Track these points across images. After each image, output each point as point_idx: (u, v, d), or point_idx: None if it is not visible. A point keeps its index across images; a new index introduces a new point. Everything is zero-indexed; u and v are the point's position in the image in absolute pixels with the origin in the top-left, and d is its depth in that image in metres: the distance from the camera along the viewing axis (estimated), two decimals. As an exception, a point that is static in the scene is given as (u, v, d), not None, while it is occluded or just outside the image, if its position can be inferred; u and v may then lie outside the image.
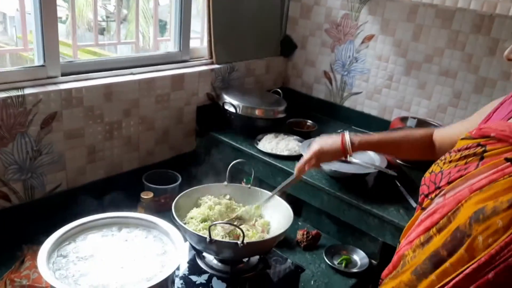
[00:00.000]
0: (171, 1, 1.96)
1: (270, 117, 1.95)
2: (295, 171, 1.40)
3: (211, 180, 1.61)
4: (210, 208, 1.45)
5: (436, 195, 0.92)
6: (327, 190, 1.61)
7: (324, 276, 1.51)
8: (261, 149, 1.82)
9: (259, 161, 1.79)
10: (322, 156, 1.33)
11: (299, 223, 1.78)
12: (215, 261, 1.39)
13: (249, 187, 1.56)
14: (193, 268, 1.38)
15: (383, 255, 1.57)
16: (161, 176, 1.80)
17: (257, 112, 1.92)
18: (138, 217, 1.26)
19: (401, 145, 1.30)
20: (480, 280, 0.77)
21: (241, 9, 2.09)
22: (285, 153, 1.80)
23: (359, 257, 1.60)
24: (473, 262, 0.78)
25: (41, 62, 1.52)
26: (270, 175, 1.77)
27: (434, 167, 0.97)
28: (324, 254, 1.58)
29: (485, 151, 0.86)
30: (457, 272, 0.80)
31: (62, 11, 5.03)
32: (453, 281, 0.80)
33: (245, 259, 1.41)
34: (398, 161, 1.77)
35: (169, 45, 2.09)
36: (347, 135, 1.30)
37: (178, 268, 1.28)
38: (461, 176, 0.87)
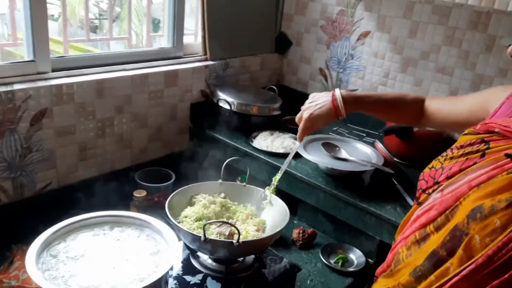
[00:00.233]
0: (164, -3, 1.93)
1: (265, 114, 1.92)
2: (297, 141, 1.38)
3: (205, 178, 1.58)
4: (205, 206, 1.42)
5: (434, 190, 0.90)
6: (323, 188, 1.59)
7: (321, 275, 1.49)
8: (256, 146, 1.79)
9: (254, 158, 1.76)
10: (314, 122, 1.28)
11: (295, 222, 1.75)
12: (209, 261, 1.37)
13: (244, 185, 1.54)
14: (187, 268, 1.35)
15: (380, 254, 1.55)
16: (154, 174, 1.77)
17: (252, 109, 1.89)
18: (130, 215, 1.23)
19: (395, 107, 1.27)
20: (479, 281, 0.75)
21: (236, 5, 2.06)
22: (281, 150, 1.77)
23: (356, 256, 1.58)
24: (470, 263, 0.76)
25: (31, 57, 1.49)
26: (265, 173, 1.74)
27: (435, 163, 0.95)
28: (320, 253, 1.56)
29: (488, 148, 0.85)
30: (455, 273, 0.78)
31: (54, 8, 4.96)
32: (450, 282, 0.78)
33: (240, 259, 1.39)
34: (395, 159, 1.75)
35: (162, 42, 2.06)
36: (337, 93, 1.25)
37: (171, 268, 1.25)
38: (460, 171, 0.86)
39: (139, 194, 1.61)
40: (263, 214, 1.48)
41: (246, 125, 1.89)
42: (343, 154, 1.68)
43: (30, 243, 1.08)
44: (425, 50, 1.87)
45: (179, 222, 1.33)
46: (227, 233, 1.28)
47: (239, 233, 1.18)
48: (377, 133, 1.98)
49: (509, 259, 0.73)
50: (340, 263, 1.54)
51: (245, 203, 1.52)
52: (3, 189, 1.46)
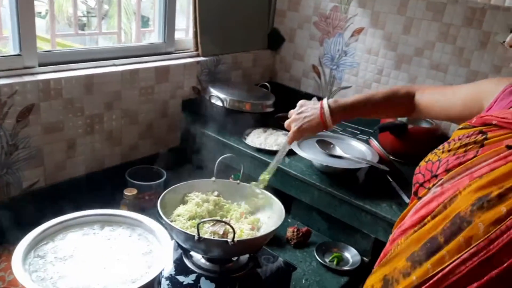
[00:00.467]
0: (155, -10, 1.89)
1: (259, 111, 1.89)
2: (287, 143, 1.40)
3: (197, 176, 1.54)
4: (198, 205, 1.39)
5: (433, 185, 0.88)
6: (317, 186, 1.56)
7: (316, 274, 1.47)
8: (249, 144, 1.76)
9: (248, 156, 1.73)
10: (302, 133, 1.33)
11: (289, 220, 1.73)
12: (203, 260, 1.33)
13: (238, 183, 1.50)
14: (180, 268, 1.31)
15: (375, 252, 1.53)
16: (145, 172, 1.73)
17: (245, 106, 1.86)
18: (121, 214, 1.20)
19: (387, 105, 1.28)
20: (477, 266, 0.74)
21: (228, 0, 2.02)
22: (274, 148, 1.74)
23: (351, 255, 1.56)
24: (472, 246, 0.75)
25: (17, 51, 1.43)
26: (259, 170, 1.70)
27: (431, 156, 0.94)
28: (315, 252, 1.53)
29: (486, 139, 0.84)
30: (454, 258, 0.77)
31: (41, 6, 4.87)
32: (449, 267, 0.77)
33: (234, 258, 1.36)
34: (390, 156, 1.74)
35: (152, 38, 2.02)
36: (325, 106, 1.26)
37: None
38: (459, 164, 0.85)
39: (130, 192, 1.57)
40: (257, 213, 1.45)
41: (239, 122, 1.86)
42: (338, 151, 1.65)
43: (16, 244, 1.04)
44: (419, 46, 1.85)
45: (171, 221, 1.29)
46: (221, 232, 1.25)
47: (234, 232, 1.15)
48: (371, 130, 1.96)
49: (508, 243, 0.72)
50: (335, 262, 1.52)
51: (239, 201, 1.49)
52: (-12, 187, 1.41)
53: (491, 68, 1.70)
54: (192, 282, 1.26)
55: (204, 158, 1.71)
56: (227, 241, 1.17)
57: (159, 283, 1.09)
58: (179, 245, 1.33)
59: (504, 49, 1.62)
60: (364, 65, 2.02)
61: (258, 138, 1.79)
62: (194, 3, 1.89)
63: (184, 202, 1.43)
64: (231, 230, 1.16)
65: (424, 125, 1.85)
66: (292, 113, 1.36)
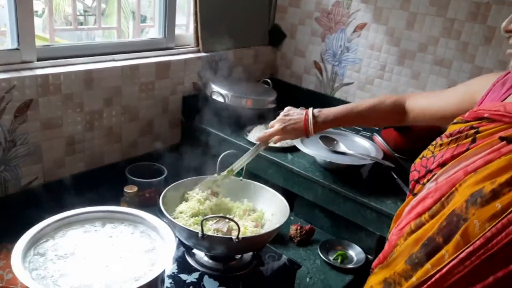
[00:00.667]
0: (155, -15, 1.86)
1: (260, 107, 1.87)
2: (257, 141, 1.41)
3: (199, 173, 1.52)
4: (200, 202, 1.36)
5: (428, 180, 0.87)
6: (321, 183, 1.54)
7: (320, 272, 1.44)
8: (251, 140, 1.74)
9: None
10: (285, 134, 1.35)
11: (291, 218, 1.70)
12: (206, 258, 1.31)
13: (241, 179, 1.48)
14: (183, 266, 1.29)
15: (379, 250, 1.50)
16: (146, 169, 1.70)
17: (246, 102, 1.84)
18: (123, 211, 1.16)
19: (369, 117, 1.29)
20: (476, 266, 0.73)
21: (229, -5, 2.00)
22: (277, 145, 1.71)
23: (355, 253, 1.53)
24: (468, 246, 0.74)
25: (15, 45, 1.40)
26: (261, 167, 1.69)
27: (425, 152, 0.93)
28: (318, 250, 1.51)
29: (477, 132, 0.84)
30: (452, 258, 0.75)
31: (37, 4, 4.82)
32: (447, 267, 0.76)
33: (238, 256, 1.33)
34: (395, 153, 1.71)
35: (151, 34, 1.98)
36: (310, 115, 1.30)
37: (166, 266, 1.19)
38: (452, 158, 0.84)
39: (130, 189, 1.54)
40: (261, 209, 1.42)
41: (240, 119, 1.83)
42: (342, 147, 1.63)
43: (15, 242, 1.00)
44: (423, 42, 1.83)
45: (174, 218, 1.27)
46: (225, 230, 1.22)
47: (239, 228, 1.12)
48: (374, 127, 1.93)
49: (509, 244, 0.70)
50: (339, 260, 1.49)
51: (241, 198, 1.46)
52: (-14, 184, 1.38)
53: (496, 63, 1.68)
54: (195, 280, 1.23)
55: (205, 155, 1.69)
56: (231, 238, 1.14)
57: (163, 281, 1.06)
58: (181, 243, 1.30)
59: (510, 45, 1.61)
60: (367, 61, 2.00)
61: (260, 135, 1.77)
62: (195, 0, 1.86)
63: (185, 199, 1.40)
64: (235, 227, 1.13)
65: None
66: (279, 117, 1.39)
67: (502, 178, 0.74)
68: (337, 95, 2.12)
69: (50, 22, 1.68)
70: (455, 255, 0.75)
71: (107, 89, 1.60)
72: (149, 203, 1.58)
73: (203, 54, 1.94)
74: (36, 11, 5.13)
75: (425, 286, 0.79)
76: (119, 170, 1.65)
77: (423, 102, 1.20)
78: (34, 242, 1.03)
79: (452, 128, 0.90)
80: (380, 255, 0.95)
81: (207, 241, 1.17)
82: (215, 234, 1.21)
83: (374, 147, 1.68)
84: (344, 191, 1.49)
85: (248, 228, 1.28)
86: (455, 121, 0.92)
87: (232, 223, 1.20)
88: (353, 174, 1.60)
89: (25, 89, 1.38)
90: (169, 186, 1.37)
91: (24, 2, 1.36)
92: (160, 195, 1.32)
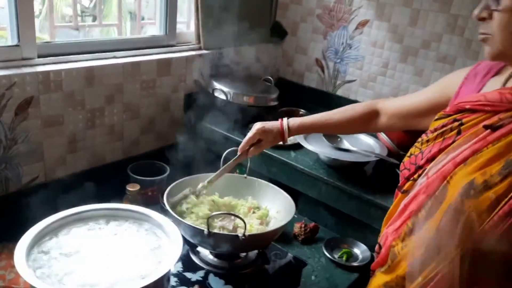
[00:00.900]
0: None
1: (263, 105, 1.85)
2: (238, 151, 1.34)
3: (201, 171, 1.50)
4: (203, 203, 1.34)
5: (419, 176, 0.88)
6: (325, 180, 1.53)
7: (325, 270, 1.43)
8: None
9: (253, 151, 1.68)
10: (264, 135, 1.29)
11: (295, 216, 1.68)
12: (210, 256, 1.29)
13: (245, 177, 1.46)
14: (187, 264, 1.27)
15: (385, 247, 1.49)
16: (148, 167, 1.68)
17: (248, 99, 1.82)
18: (127, 208, 1.15)
19: (341, 125, 1.30)
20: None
21: (230, -7, 1.98)
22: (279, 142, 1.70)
23: (360, 250, 1.52)
24: (468, 241, 0.75)
25: (15, 42, 1.38)
26: (263, 165, 1.67)
27: (413, 150, 0.95)
28: (323, 248, 1.49)
29: (461, 124, 0.86)
30: (454, 254, 0.76)
31: (35, 5, 4.79)
32: (451, 265, 0.77)
33: (243, 254, 1.31)
34: (399, 150, 1.70)
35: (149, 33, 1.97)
36: (285, 120, 1.29)
37: (171, 265, 1.17)
38: (440, 151, 0.86)
39: (133, 188, 1.52)
40: (266, 207, 1.41)
41: (243, 116, 1.82)
42: (345, 144, 1.62)
43: (16, 241, 0.99)
44: (426, 38, 1.82)
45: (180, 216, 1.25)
46: (230, 227, 1.21)
47: (245, 225, 1.11)
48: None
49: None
50: (344, 258, 1.48)
51: (245, 196, 1.45)
52: (-14, 183, 1.35)
53: (499, 59, 1.67)
54: (201, 278, 1.22)
55: (207, 152, 1.67)
56: (237, 236, 1.13)
57: (169, 279, 1.05)
58: (185, 241, 1.28)
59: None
60: (369, 58, 1.99)
61: (263, 132, 1.75)
62: (196, -4, 1.85)
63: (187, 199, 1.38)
64: (240, 225, 1.12)
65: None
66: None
67: (493, 169, 0.75)
68: (339, 92, 2.11)
69: (51, 20, 1.66)
70: (457, 251, 0.76)
71: (109, 86, 1.58)
72: (151, 202, 1.56)
73: (204, 51, 1.92)
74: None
75: (430, 284, 0.79)
76: (120, 169, 1.64)
77: (397, 102, 1.21)
78: (38, 240, 1.01)
79: (435, 124, 0.92)
80: (378, 259, 0.96)
81: (212, 239, 1.15)
82: (221, 232, 1.19)
83: (378, 144, 1.67)
84: (349, 188, 1.48)
85: (253, 226, 1.27)
86: (437, 117, 0.93)
87: (238, 220, 1.18)
88: (357, 171, 1.59)
89: (26, 86, 1.36)
90: (172, 184, 1.36)
91: (24, -1, 1.35)
92: (163, 193, 1.30)
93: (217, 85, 1.83)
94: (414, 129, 1.16)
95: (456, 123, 0.86)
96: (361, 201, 1.45)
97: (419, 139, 0.94)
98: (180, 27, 2.06)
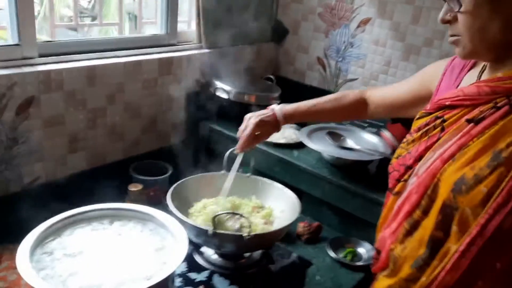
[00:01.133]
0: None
1: (264, 104, 1.82)
2: (237, 150, 1.33)
3: (204, 170, 1.49)
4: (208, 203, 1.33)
5: (409, 176, 0.89)
6: (328, 179, 1.52)
7: (330, 270, 1.42)
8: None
9: (255, 150, 1.66)
10: (264, 127, 1.27)
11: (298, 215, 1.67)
12: (214, 257, 1.28)
13: (249, 176, 1.45)
14: (191, 264, 1.26)
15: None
16: (149, 167, 1.67)
17: (250, 98, 1.81)
18: (131, 208, 1.14)
19: (334, 111, 1.29)
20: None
21: (231, -8, 1.97)
22: (282, 141, 1.70)
23: (365, 250, 1.51)
24: (465, 236, 0.75)
25: (16, 41, 1.37)
26: (266, 164, 1.66)
27: (400, 151, 0.95)
28: (327, 247, 1.48)
29: (444, 121, 0.87)
30: (453, 250, 0.76)
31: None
32: (451, 261, 0.77)
33: (247, 254, 1.30)
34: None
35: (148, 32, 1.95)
36: (277, 109, 1.28)
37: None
38: (427, 149, 0.87)
39: (135, 188, 1.51)
40: (270, 206, 1.40)
41: (244, 115, 1.80)
42: (349, 143, 1.61)
43: (17, 243, 0.97)
44: (428, 36, 1.81)
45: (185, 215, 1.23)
46: (235, 227, 1.19)
47: (250, 225, 1.10)
48: (381, 123, 1.91)
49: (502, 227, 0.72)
50: (348, 258, 1.47)
51: (249, 195, 1.43)
52: (-13, 184, 1.34)
53: (503, 57, 1.67)
54: (205, 279, 1.21)
55: (210, 151, 1.66)
56: (242, 236, 1.12)
57: (173, 280, 1.03)
58: (189, 241, 1.27)
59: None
60: (371, 56, 1.98)
61: (265, 131, 1.74)
62: (198, -5, 1.84)
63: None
64: (245, 224, 1.11)
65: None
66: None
67: (481, 162, 0.75)
68: (341, 91, 2.10)
69: (52, 17, 1.65)
70: (456, 247, 0.76)
71: (110, 85, 1.57)
72: (154, 202, 1.55)
73: (206, 50, 1.91)
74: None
75: (435, 283, 0.79)
76: (122, 169, 1.62)
77: (383, 91, 1.23)
78: (40, 241, 1.00)
79: (418, 123, 0.93)
80: (379, 262, 0.96)
81: (217, 239, 1.14)
82: (225, 232, 1.18)
83: (382, 142, 1.66)
84: (352, 187, 1.47)
85: (258, 225, 1.26)
86: (418, 116, 0.95)
87: (243, 219, 1.17)
88: (361, 170, 1.58)
89: (27, 85, 1.34)
90: (176, 184, 1.35)
91: (25, -3, 1.33)
92: (166, 193, 1.29)
93: (218, 84, 1.82)
94: (403, 118, 1.19)
95: (439, 121, 0.87)
96: (364, 200, 1.45)
97: (404, 140, 0.95)
98: (181, 26, 2.05)
